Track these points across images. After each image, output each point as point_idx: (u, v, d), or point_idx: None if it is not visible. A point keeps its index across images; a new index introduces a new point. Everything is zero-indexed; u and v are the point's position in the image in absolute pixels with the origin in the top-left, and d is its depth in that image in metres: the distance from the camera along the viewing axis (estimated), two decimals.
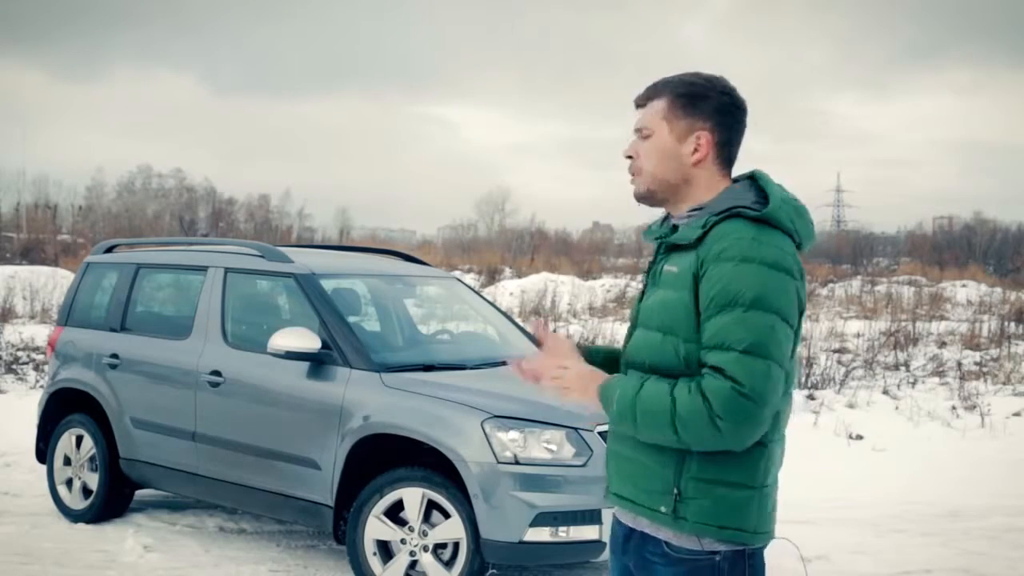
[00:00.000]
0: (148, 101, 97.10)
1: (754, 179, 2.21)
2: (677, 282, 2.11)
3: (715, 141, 2.17)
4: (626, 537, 2.22)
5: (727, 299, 2.00)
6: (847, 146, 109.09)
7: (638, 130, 2.24)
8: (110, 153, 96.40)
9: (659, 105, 2.20)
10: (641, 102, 2.24)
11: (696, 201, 2.19)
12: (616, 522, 2.29)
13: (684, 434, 1.99)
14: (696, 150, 2.17)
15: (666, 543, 2.10)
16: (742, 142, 2.23)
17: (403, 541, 4.67)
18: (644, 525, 2.16)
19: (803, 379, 10.28)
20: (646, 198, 2.24)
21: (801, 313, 2.12)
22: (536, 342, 2.39)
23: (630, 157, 2.25)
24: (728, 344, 1.98)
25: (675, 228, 2.23)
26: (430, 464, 4.66)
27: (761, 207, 2.11)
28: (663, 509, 2.08)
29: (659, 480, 2.09)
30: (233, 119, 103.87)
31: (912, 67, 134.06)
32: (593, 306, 19.70)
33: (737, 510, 2.07)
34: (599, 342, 13.25)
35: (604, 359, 2.36)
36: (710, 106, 2.16)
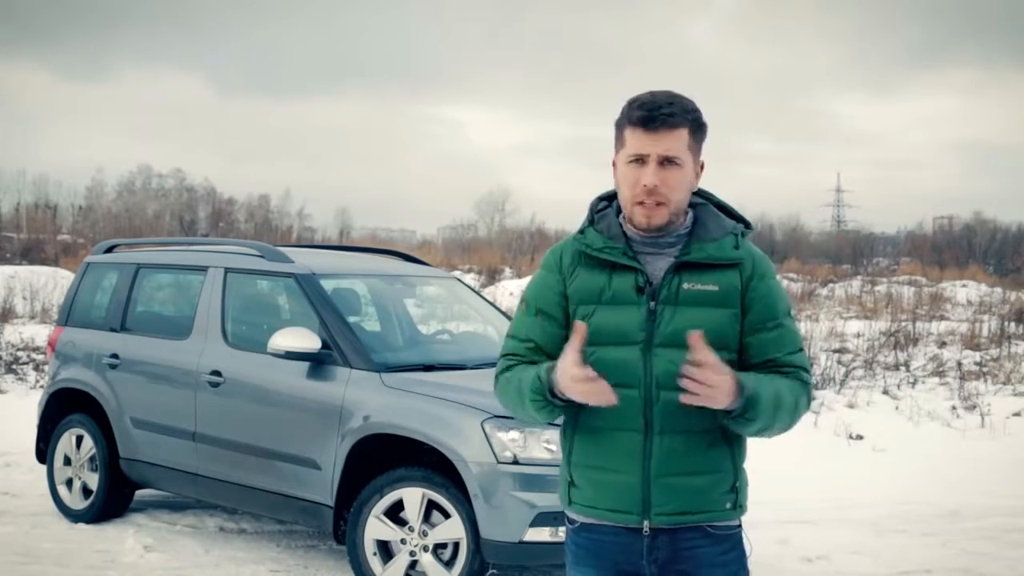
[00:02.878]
0: (149, 101, 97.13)
1: (705, 197, 2.33)
2: (720, 299, 2.19)
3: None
4: (650, 543, 2.20)
5: (786, 309, 2.27)
6: (849, 146, 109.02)
7: (668, 159, 2.15)
8: (110, 153, 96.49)
9: (683, 135, 2.18)
10: (662, 128, 2.15)
11: (676, 223, 2.26)
12: (622, 534, 2.22)
13: (793, 420, 2.24)
14: (697, 177, 2.27)
15: (708, 526, 2.22)
16: None
17: (403, 541, 4.67)
18: (678, 522, 2.21)
19: None
20: (663, 227, 2.21)
21: None
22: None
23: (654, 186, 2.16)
24: (799, 345, 2.28)
25: (629, 244, 2.23)
26: (430, 464, 4.66)
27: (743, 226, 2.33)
28: (728, 505, 2.23)
29: (724, 480, 2.23)
30: (234, 119, 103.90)
31: (916, 68, 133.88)
32: None
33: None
34: None
35: None
36: (705, 134, 2.25)
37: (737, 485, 2.25)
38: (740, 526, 2.30)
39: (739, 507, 2.27)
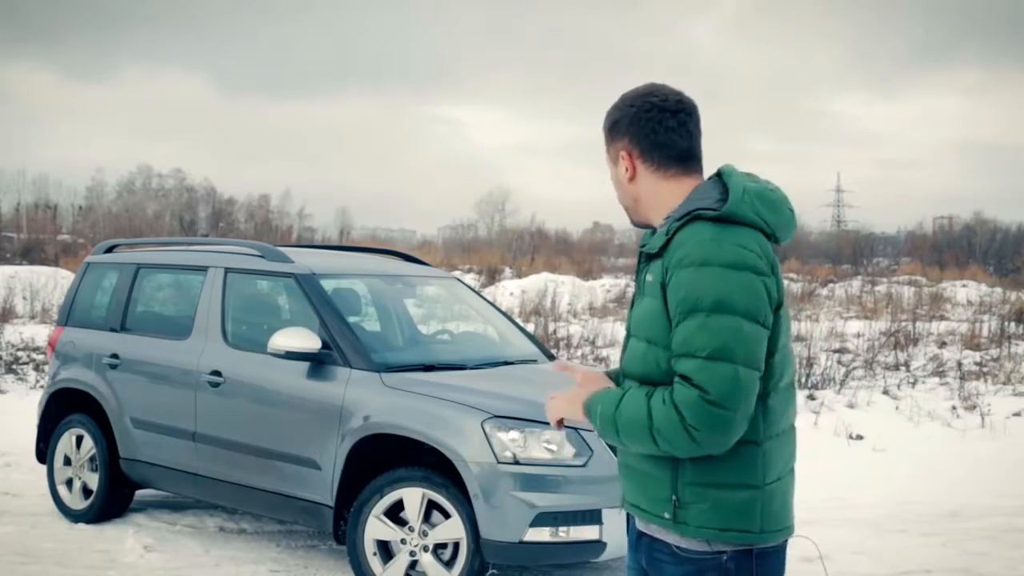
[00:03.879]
0: (149, 101, 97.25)
1: (720, 175, 2.21)
2: (652, 291, 2.15)
3: (636, 153, 2.23)
4: (638, 538, 2.26)
5: (689, 305, 2.02)
6: (850, 146, 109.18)
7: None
8: (110, 153, 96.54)
9: (605, 143, 2.33)
10: None
11: (666, 209, 2.22)
12: (631, 522, 2.33)
13: (663, 444, 2.02)
14: (626, 169, 2.26)
15: (675, 545, 2.13)
16: (689, 134, 2.21)
17: (403, 541, 4.67)
18: (653, 530, 2.19)
19: (803, 379, 10.28)
20: (632, 223, 2.35)
21: (778, 306, 2.10)
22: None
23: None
24: (693, 351, 1.99)
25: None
26: (430, 464, 4.66)
27: (721, 205, 2.09)
28: (666, 515, 2.10)
29: (659, 488, 2.12)
30: (234, 119, 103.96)
31: (917, 68, 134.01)
32: (593, 306, 19.68)
33: (739, 511, 2.07)
34: (598, 342, 13.26)
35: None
36: (621, 125, 2.26)
37: (677, 499, 2.08)
38: (720, 553, 2.08)
39: (683, 524, 2.07)
